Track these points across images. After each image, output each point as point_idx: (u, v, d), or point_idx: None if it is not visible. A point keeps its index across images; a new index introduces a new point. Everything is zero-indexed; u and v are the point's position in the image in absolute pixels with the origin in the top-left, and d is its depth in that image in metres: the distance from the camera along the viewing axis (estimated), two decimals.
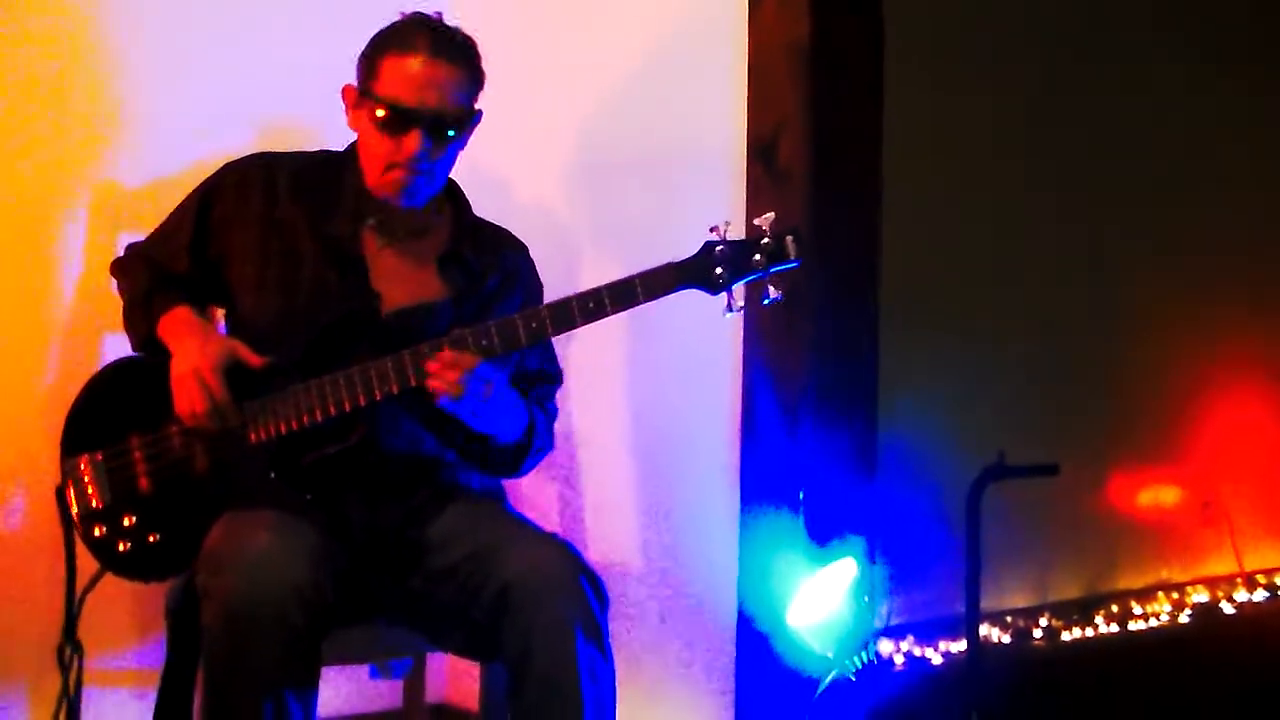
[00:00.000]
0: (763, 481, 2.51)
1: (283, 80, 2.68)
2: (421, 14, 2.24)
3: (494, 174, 2.82)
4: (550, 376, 2.40)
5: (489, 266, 2.33)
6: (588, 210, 2.88)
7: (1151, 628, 3.66)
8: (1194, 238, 3.91)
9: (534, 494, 2.87)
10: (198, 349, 2.16)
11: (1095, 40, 3.72)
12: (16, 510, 2.58)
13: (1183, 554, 3.98)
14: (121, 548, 2.19)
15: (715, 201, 2.60)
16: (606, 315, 2.06)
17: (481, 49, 2.24)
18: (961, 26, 3.45)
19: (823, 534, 2.45)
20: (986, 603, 2.74)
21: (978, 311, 3.45)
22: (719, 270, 2.05)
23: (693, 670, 2.65)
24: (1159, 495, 4.00)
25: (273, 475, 2.16)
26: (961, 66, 3.42)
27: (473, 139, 2.28)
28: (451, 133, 2.20)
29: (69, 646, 2.25)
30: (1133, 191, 3.77)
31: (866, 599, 2.46)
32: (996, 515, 2.69)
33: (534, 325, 2.08)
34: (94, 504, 2.20)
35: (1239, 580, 3.98)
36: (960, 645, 3.10)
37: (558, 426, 2.45)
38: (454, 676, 2.98)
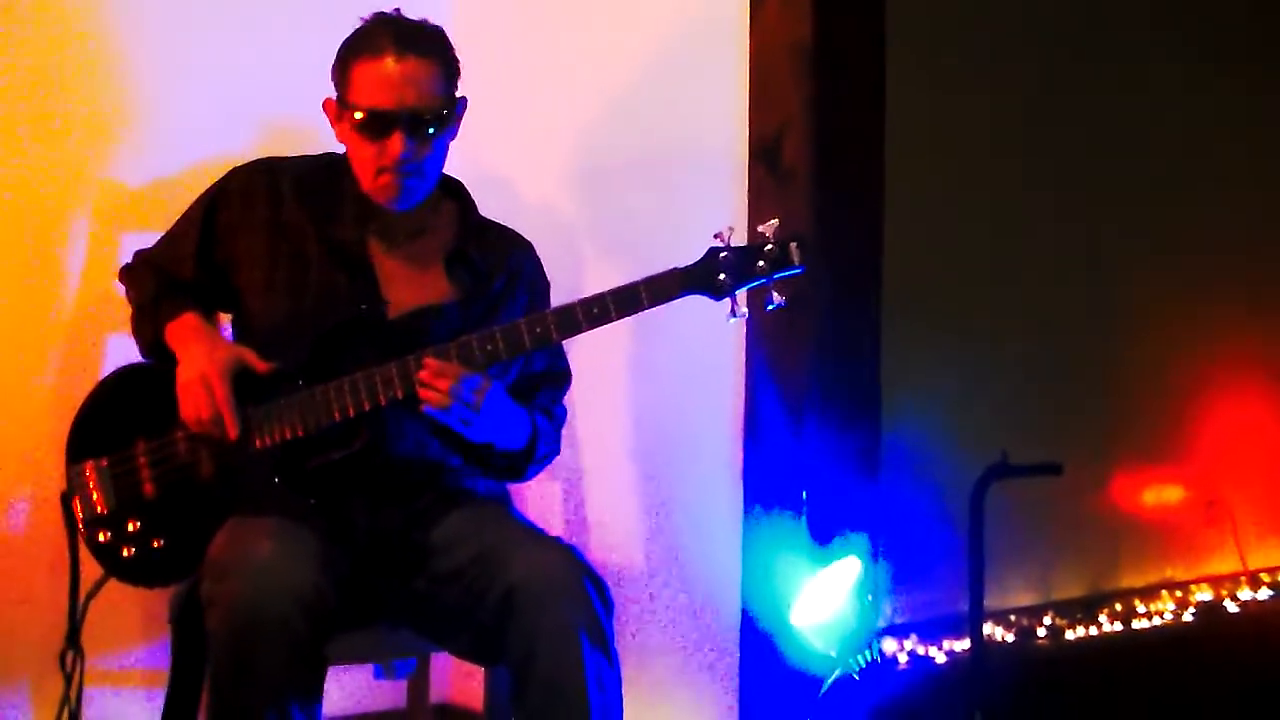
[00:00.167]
0: (766, 481, 2.51)
1: (285, 80, 2.68)
2: (382, 13, 2.22)
3: (495, 174, 2.82)
4: (558, 375, 2.38)
5: (495, 267, 2.32)
6: (590, 211, 2.87)
7: (1155, 626, 3.66)
8: (1193, 237, 3.91)
9: (537, 495, 2.87)
10: (204, 355, 2.16)
11: (1094, 40, 3.72)
12: (19, 512, 2.58)
13: (1186, 552, 3.97)
14: (126, 553, 2.19)
15: (717, 202, 2.59)
16: (611, 320, 2.06)
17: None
18: (959, 26, 3.45)
19: (826, 533, 2.45)
20: (990, 601, 2.74)
21: (979, 311, 3.45)
22: (723, 276, 2.04)
23: (697, 670, 2.65)
24: (1162, 494, 4.00)
25: (277, 481, 2.16)
26: (959, 66, 3.42)
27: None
28: (432, 129, 2.18)
29: (71, 651, 2.25)
30: (1132, 191, 3.77)
31: (870, 598, 2.46)
32: (999, 514, 2.70)
33: (539, 330, 2.08)
34: (99, 509, 2.20)
35: (1243, 579, 3.97)
36: (964, 644, 3.10)
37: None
38: (458, 677, 2.97)
